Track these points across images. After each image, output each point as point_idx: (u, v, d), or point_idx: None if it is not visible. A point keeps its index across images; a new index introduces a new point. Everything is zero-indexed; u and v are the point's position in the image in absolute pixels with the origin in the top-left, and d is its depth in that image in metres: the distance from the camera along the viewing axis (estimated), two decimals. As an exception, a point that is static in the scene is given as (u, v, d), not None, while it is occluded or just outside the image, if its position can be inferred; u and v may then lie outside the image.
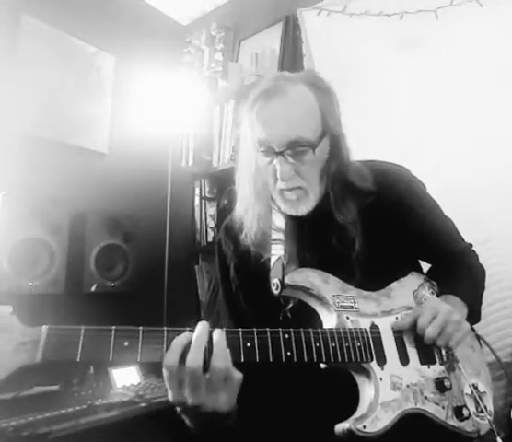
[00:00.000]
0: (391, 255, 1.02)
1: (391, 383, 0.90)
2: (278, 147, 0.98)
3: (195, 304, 2.66)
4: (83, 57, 2.53)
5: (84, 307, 2.11)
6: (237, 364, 0.81)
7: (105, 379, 2.05)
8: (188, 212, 2.80)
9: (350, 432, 0.83)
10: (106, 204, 2.45)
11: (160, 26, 3.03)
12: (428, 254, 1.16)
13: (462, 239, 1.19)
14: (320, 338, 0.87)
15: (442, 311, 0.94)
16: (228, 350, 0.79)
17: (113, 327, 0.75)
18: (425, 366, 0.96)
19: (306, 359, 0.85)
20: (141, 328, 0.76)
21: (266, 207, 1.08)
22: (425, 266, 1.19)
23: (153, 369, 2.23)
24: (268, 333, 0.83)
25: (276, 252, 1.03)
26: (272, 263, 1.02)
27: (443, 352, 0.99)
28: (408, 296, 1.04)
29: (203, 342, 0.77)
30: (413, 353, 0.96)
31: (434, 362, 0.98)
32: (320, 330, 0.89)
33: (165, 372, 0.77)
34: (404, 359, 0.95)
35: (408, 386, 0.92)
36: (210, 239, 2.66)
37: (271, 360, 0.82)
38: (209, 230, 2.69)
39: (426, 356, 0.97)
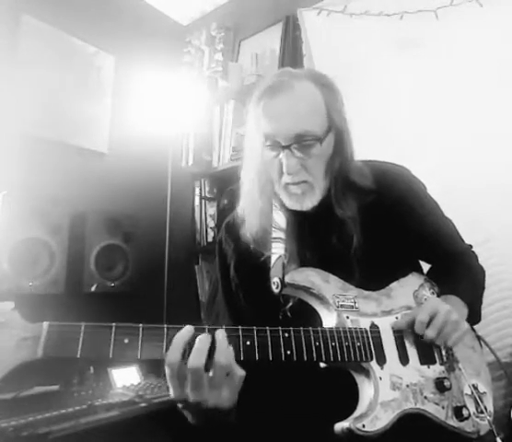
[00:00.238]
0: (391, 255, 1.02)
1: (391, 383, 0.90)
2: (284, 141, 0.98)
3: (195, 304, 2.66)
4: (83, 57, 2.53)
5: (84, 307, 2.10)
6: (236, 362, 0.81)
7: (105, 379, 2.05)
8: (188, 212, 2.80)
9: (349, 431, 0.83)
10: (106, 204, 2.44)
11: (160, 26, 3.03)
12: (428, 254, 1.16)
13: (462, 240, 1.19)
14: (319, 337, 0.88)
15: (441, 311, 0.94)
16: (231, 347, 0.80)
17: (114, 324, 0.75)
18: (425, 366, 0.96)
19: (305, 358, 0.85)
20: (141, 325, 0.76)
21: (268, 204, 1.08)
22: (425, 266, 1.19)
23: (153, 369, 2.23)
24: (268, 332, 0.84)
25: (277, 251, 1.03)
26: (272, 262, 1.02)
27: (443, 352, 0.99)
28: (408, 296, 1.04)
29: (207, 343, 0.78)
30: (412, 353, 0.96)
31: (434, 362, 0.98)
32: (319, 329, 0.89)
33: (167, 370, 0.77)
34: (404, 359, 0.95)
35: (408, 386, 0.92)
36: (210, 239, 2.66)
37: (270, 359, 0.82)
38: (209, 230, 2.69)
39: (426, 356, 0.97)
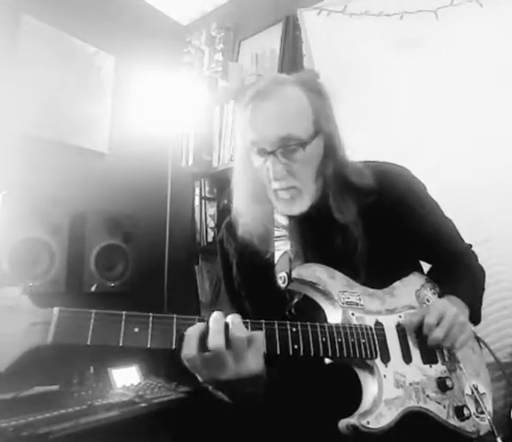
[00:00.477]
0: (392, 255, 1.03)
1: (395, 380, 0.91)
2: (270, 147, 0.99)
3: (195, 304, 2.66)
4: (83, 57, 2.52)
5: (84, 307, 2.09)
6: None
7: (105, 379, 2.05)
8: (188, 212, 2.80)
9: (354, 428, 0.83)
10: (106, 204, 2.44)
11: (160, 26, 3.03)
12: (428, 254, 1.16)
13: (462, 240, 1.19)
14: (326, 333, 0.88)
15: (449, 313, 0.95)
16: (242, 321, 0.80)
17: (124, 312, 0.75)
18: (428, 366, 0.97)
19: (312, 353, 0.86)
20: (151, 314, 0.77)
21: (265, 207, 1.09)
22: (426, 267, 1.19)
23: (153, 369, 2.23)
24: (276, 326, 0.84)
25: (281, 248, 1.04)
26: (276, 259, 1.03)
27: (445, 352, 1.00)
28: (410, 295, 1.05)
29: (222, 321, 0.78)
30: (415, 352, 0.97)
31: (436, 361, 0.98)
32: (326, 324, 0.90)
33: (186, 364, 0.78)
34: (407, 357, 0.95)
35: (411, 384, 0.92)
36: (210, 239, 2.66)
37: (278, 352, 0.83)
38: (209, 230, 2.69)
39: (429, 356, 0.98)
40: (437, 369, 0.97)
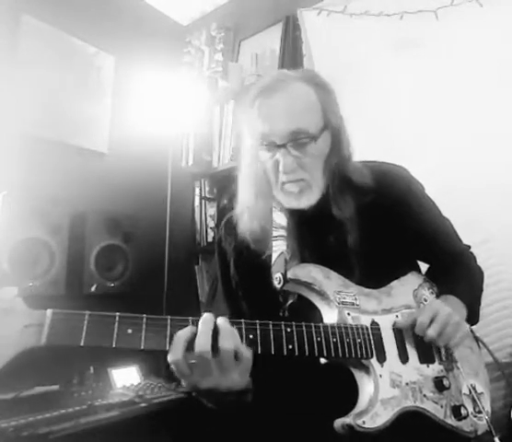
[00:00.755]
0: (390, 254, 1.03)
1: (391, 380, 0.91)
2: (280, 140, 0.99)
3: (195, 304, 2.66)
4: (83, 57, 2.53)
5: (84, 307, 2.08)
6: None
7: (105, 379, 2.05)
8: (188, 212, 2.80)
9: (350, 427, 0.83)
10: (106, 204, 2.44)
11: (160, 26, 3.03)
12: (426, 254, 1.16)
13: (460, 240, 1.19)
14: (321, 332, 0.88)
15: (442, 313, 0.95)
16: (235, 329, 0.80)
17: (117, 313, 0.75)
18: (425, 365, 0.96)
19: (307, 353, 0.86)
20: (145, 316, 0.77)
21: (267, 205, 1.09)
22: (424, 267, 1.19)
23: (153, 369, 2.23)
24: (270, 326, 0.84)
25: (278, 248, 1.04)
26: (273, 259, 1.03)
27: (442, 351, 1.00)
28: (408, 295, 1.05)
29: (210, 323, 0.78)
30: (412, 351, 0.97)
31: (433, 361, 0.98)
32: (321, 324, 0.90)
33: (172, 367, 0.78)
34: (404, 357, 0.95)
35: (407, 384, 0.92)
36: (210, 240, 2.66)
37: (272, 352, 0.83)
38: (209, 230, 2.69)
39: (426, 355, 0.98)
40: (434, 369, 0.97)
